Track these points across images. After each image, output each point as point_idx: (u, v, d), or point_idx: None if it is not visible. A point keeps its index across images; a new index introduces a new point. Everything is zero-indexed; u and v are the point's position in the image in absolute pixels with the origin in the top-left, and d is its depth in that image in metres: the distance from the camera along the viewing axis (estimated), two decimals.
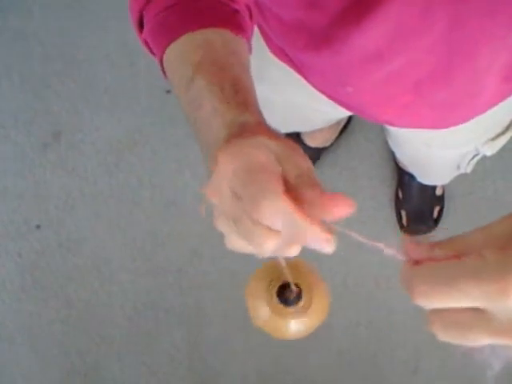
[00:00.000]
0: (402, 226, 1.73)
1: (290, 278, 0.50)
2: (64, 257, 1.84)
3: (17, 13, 1.94)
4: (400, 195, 1.72)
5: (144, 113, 1.87)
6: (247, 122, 0.51)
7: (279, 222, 0.44)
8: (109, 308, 1.82)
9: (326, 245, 0.44)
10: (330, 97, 0.85)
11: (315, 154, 1.74)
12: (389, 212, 1.77)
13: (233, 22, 0.62)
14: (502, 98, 0.81)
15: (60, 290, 1.84)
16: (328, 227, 0.44)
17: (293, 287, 0.51)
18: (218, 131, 0.52)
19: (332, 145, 1.76)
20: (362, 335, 1.75)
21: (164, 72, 0.64)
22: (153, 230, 1.82)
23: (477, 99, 0.75)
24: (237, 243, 0.49)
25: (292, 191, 0.44)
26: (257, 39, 0.88)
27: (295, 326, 0.51)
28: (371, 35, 0.57)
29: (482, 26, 0.55)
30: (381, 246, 0.42)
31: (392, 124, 0.90)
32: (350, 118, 1.75)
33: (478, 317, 0.34)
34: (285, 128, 1.36)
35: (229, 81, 0.55)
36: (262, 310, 0.51)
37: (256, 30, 0.87)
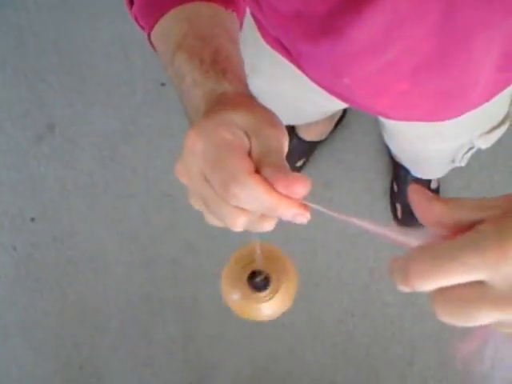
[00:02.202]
0: (396, 219, 1.74)
1: (259, 265, 0.53)
2: (59, 249, 1.84)
3: (12, 6, 1.93)
4: (395, 188, 1.73)
5: (139, 105, 1.86)
6: (224, 91, 0.51)
7: (249, 201, 0.44)
8: (104, 300, 1.82)
9: (299, 218, 0.45)
10: (326, 88, 0.85)
11: (310, 148, 1.74)
12: (384, 205, 1.77)
13: None
14: (496, 90, 0.81)
15: (55, 283, 1.84)
16: (300, 203, 0.44)
17: (262, 274, 0.54)
18: (197, 103, 0.52)
19: (327, 138, 1.76)
20: (357, 328, 1.75)
21: (154, 48, 0.64)
22: (148, 223, 1.82)
23: (472, 90, 0.75)
24: (213, 221, 0.50)
25: (257, 167, 0.45)
26: (252, 30, 0.87)
27: (262, 309, 0.54)
28: (369, 24, 0.57)
29: (476, 14, 0.55)
30: (353, 219, 0.43)
31: (387, 116, 0.90)
32: (344, 112, 1.75)
33: (479, 290, 0.34)
34: None
35: (210, 51, 0.55)
36: (232, 293, 0.55)
37: (251, 21, 0.86)
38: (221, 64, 0.54)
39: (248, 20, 0.87)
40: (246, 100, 0.51)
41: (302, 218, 0.45)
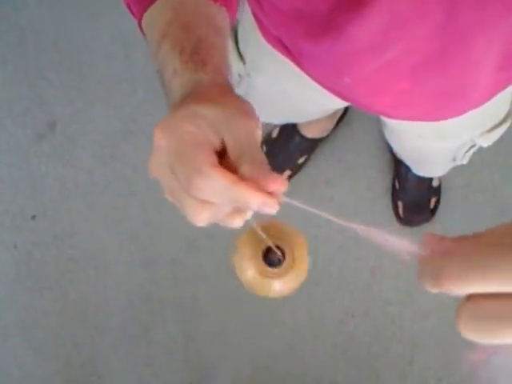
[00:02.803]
0: (398, 217, 1.73)
1: (270, 243, 0.52)
2: (59, 248, 1.84)
3: (12, 4, 1.93)
4: (397, 186, 1.72)
5: (139, 103, 1.86)
6: (200, 81, 0.51)
7: (213, 193, 0.44)
8: (104, 299, 1.82)
9: (267, 207, 0.44)
10: (326, 87, 0.85)
11: (312, 145, 1.73)
12: (385, 203, 1.76)
13: None
14: (497, 89, 0.81)
15: (55, 282, 1.83)
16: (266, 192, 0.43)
17: (276, 250, 0.54)
18: (175, 95, 0.52)
19: (328, 136, 1.76)
20: (358, 327, 1.75)
21: (144, 35, 0.64)
22: (148, 222, 1.82)
23: (472, 89, 0.75)
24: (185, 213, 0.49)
25: (235, 163, 0.45)
26: (253, 30, 0.87)
27: (278, 285, 0.54)
28: (369, 24, 0.57)
29: (476, 14, 0.55)
30: (328, 215, 0.42)
31: (388, 115, 0.90)
32: (346, 109, 1.75)
33: (508, 305, 0.31)
34: (281, 119, 1.35)
35: (191, 41, 0.54)
36: (249, 271, 0.54)
37: (252, 21, 0.86)
38: (201, 55, 0.53)
39: (249, 20, 0.87)
40: (219, 91, 0.50)
41: (270, 207, 0.44)
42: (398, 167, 1.70)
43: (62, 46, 1.90)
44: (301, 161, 1.74)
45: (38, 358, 1.83)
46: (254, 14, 0.84)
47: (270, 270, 0.54)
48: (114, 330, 1.82)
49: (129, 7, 0.64)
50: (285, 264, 0.54)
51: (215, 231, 1.77)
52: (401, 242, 0.40)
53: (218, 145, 0.46)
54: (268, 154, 1.73)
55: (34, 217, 1.85)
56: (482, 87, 0.74)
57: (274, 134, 1.74)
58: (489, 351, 0.36)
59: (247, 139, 0.46)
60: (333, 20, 0.59)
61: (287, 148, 1.71)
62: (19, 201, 1.87)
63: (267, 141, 1.74)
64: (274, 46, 0.85)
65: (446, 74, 0.68)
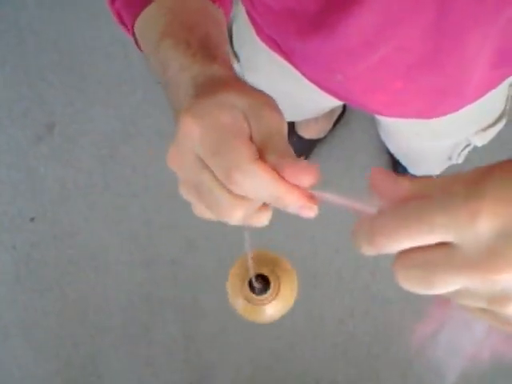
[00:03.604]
0: None
1: (252, 271, 0.54)
2: (59, 249, 1.84)
3: (11, 4, 1.93)
4: None
5: (138, 104, 1.86)
6: (215, 74, 0.48)
7: (253, 189, 0.41)
8: (104, 299, 1.82)
9: (306, 211, 0.42)
10: (319, 85, 0.85)
11: (310, 146, 1.74)
12: None
13: None
14: (491, 86, 0.81)
15: (55, 282, 1.84)
16: (309, 194, 0.42)
17: (260, 278, 0.56)
18: (185, 88, 0.48)
19: (326, 136, 1.76)
20: (357, 327, 1.75)
21: (138, 45, 0.61)
22: (148, 222, 1.82)
23: (466, 87, 0.75)
24: (204, 212, 0.46)
25: (260, 153, 0.42)
26: (247, 29, 0.87)
27: (267, 310, 0.56)
28: (361, 21, 0.57)
29: (469, 11, 0.55)
30: (359, 205, 0.40)
31: (382, 113, 0.90)
32: (344, 110, 1.75)
33: (445, 252, 0.32)
34: None
35: (197, 37, 0.52)
36: (239, 300, 0.57)
37: (245, 18, 0.87)
38: (209, 49, 0.51)
39: (243, 18, 0.88)
40: (241, 82, 0.48)
41: (310, 211, 0.42)
42: (396, 167, 1.70)
43: (61, 46, 1.90)
44: None
45: (38, 357, 1.83)
46: (248, 13, 0.85)
47: (256, 297, 0.56)
48: (113, 330, 1.82)
49: (119, 16, 0.62)
50: (270, 291, 0.56)
51: (215, 231, 1.77)
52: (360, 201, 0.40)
53: (249, 135, 0.43)
54: None
55: (33, 218, 1.86)
56: (476, 84, 0.75)
57: None
58: (435, 329, 0.39)
59: (277, 129, 0.44)
60: (324, 19, 0.59)
61: None
62: (18, 202, 1.87)
63: None
64: (267, 44, 0.85)
65: (440, 71, 0.68)
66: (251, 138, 0.43)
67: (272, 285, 0.56)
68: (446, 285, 0.33)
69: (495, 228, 0.31)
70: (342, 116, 1.76)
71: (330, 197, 0.42)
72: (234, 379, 1.78)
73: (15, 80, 1.90)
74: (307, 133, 1.70)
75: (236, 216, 0.43)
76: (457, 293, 0.34)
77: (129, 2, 0.60)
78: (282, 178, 0.41)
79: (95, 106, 1.88)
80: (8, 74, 1.91)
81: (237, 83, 0.47)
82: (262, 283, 0.56)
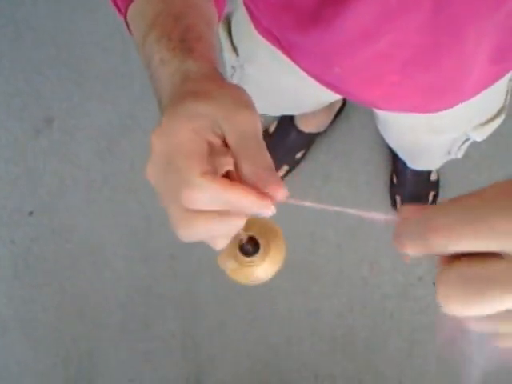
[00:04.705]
0: (396, 211, 1.73)
1: (243, 235, 0.56)
2: (57, 243, 1.84)
3: None
4: (395, 180, 1.72)
5: (136, 98, 1.86)
6: (189, 69, 0.49)
7: (206, 201, 0.42)
8: (103, 295, 1.82)
9: (265, 210, 0.43)
10: (317, 78, 0.85)
11: (309, 140, 1.73)
12: (383, 197, 1.76)
13: None
14: (490, 81, 0.81)
15: (54, 277, 1.83)
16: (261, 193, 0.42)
17: (249, 241, 0.57)
18: (164, 84, 0.50)
19: (326, 130, 1.75)
20: (356, 321, 1.75)
21: (130, 30, 0.62)
22: (146, 216, 1.82)
23: (464, 82, 0.75)
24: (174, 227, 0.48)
25: (234, 159, 0.43)
26: (245, 22, 0.87)
27: (256, 272, 0.58)
28: (359, 14, 0.57)
29: (467, 6, 0.54)
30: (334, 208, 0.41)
31: (379, 107, 0.90)
32: (344, 104, 1.75)
33: (506, 265, 0.29)
34: (276, 111, 1.35)
35: (179, 30, 0.53)
36: (229, 263, 0.59)
37: (244, 12, 0.86)
38: (188, 42, 0.51)
39: (242, 12, 0.87)
40: (213, 82, 0.48)
41: (267, 210, 0.43)
42: (396, 162, 1.70)
43: (58, 40, 1.90)
44: (298, 156, 1.74)
45: (37, 353, 1.83)
46: (246, 5, 0.84)
47: (247, 259, 0.57)
48: (112, 326, 1.82)
49: (114, 2, 0.63)
50: (260, 252, 0.57)
51: None
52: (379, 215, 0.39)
53: (218, 144, 0.44)
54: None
55: (31, 212, 1.85)
56: (475, 80, 0.74)
57: (271, 129, 1.74)
58: (461, 327, 0.35)
59: (251, 134, 0.44)
60: (320, 12, 0.59)
61: (284, 143, 1.71)
62: (17, 196, 1.86)
63: (264, 136, 1.73)
64: (265, 37, 0.85)
65: (437, 66, 0.68)
66: (226, 143, 0.44)
67: (262, 247, 0.57)
68: (500, 303, 0.29)
69: None
70: (341, 110, 1.76)
71: (310, 205, 0.44)
72: (233, 373, 1.78)
73: (12, 75, 1.90)
74: (307, 127, 1.69)
75: (193, 231, 0.44)
76: (503, 315, 0.30)
77: None
78: (233, 184, 0.42)
79: (93, 101, 1.87)
80: (5, 68, 1.90)
81: (210, 84, 0.47)
82: (252, 245, 0.57)
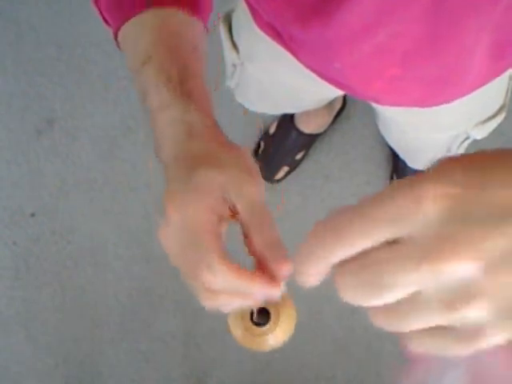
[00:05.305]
0: None
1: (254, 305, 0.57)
2: (58, 244, 1.84)
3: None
4: (395, 180, 1.72)
5: (138, 99, 1.85)
6: (192, 123, 0.51)
7: (220, 285, 0.47)
8: (103, 295, 1.82)
9: (272, 293, 0.47)
10: (318, 73, 0.85)
11: (310, 140, 1.73)
12: None
13: (189, 1, 0.62)
14: (490, 76, 0.80)
15: (55, 278, 1.83)
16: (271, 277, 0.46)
17: (261, 311, 0.60)
18: (166, 131, 0.53)
19: (326, 130, 1.75)
20: (358, 322, 1.75)
21: (118, 45, 0.64)
22: (148, 217, 1.82)
23: (465, 76, 0.74)
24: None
25: (244, 229, 0.47)
26: (245, 17, 0.87)
27: (267, 341, 0.60)
28: (360, 7, 0.57)
29: None
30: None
31: (380, 102, 0.89)
32: (344, 104, 1.75)
33: (389, 249, 0.30)
34: (276, 109, 1.35)
35: (177, 67, 0.55)
36: (240, 331, 0.60)
37: (244, 7, 0.86)
38: (186, 84, 0.54)
39: (242, 7, 0.87)
40: (217, 139, 0.51)
41: (275, 293, 0.47)
42: (396, 161, 1.69)
43: (60, 41, 1.90)
44: (299, 156, 1.73)
45: (38, 353, 1.83)
46: (246, 0, 0.84)
47: (258, 329, 0.59)
48: (113, 326, 1.82)
49: (100, 12, 0.64)
50: (271, 322, 0.59)
51: None
52: None
53: (227, 213, 0.48)
54: (265, 150, 1.73)
55: (33, 214, 1.85)
56: (474, 73, 0.74)
57: (272, 130, 1.73)
58: (423, 372, 0.37)
59: (257, 206, 0.48)
60: (322, 5, 0.59)
61: (285, 144, 1.71)
62: (18, 197, 1.87)
63: (265, 137, 1.74)
64: (266, 32, 0.85)
65: (437, 59, 0.68)
66: (234, 210, 0.48)
67: (272, 316, 0.59)
68: (396, 286, 0.30)
69: (442, 210, 0.29)
70: (342, 110, 1.75)
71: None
72: (235, 374, 1.78)
73: (14, 75, 1.90)
74: (307, 127, 1.69)
75: (209, 305, 0.51)
76: (410, 304, 0.30)
77: (114, 7, 0.62)
78: (245, 272, 0.46)
79: (95, 101, 1.87)
80: (7, 69, 1.90)
81: (214, 143, 0.51)
82: (262, 315, 0.59)
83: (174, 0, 0.60)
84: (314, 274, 0.36)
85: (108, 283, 1.82)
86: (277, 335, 0.59)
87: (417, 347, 0.33)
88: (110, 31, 0.65)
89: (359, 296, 0.32)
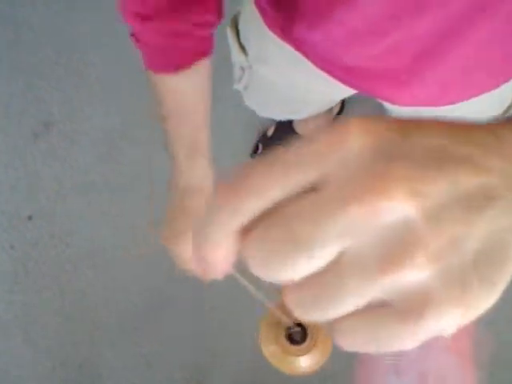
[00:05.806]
0: None
1: (291, 321, 0.51)
2: (57, 247, 1.84)
3: (7, 0, 1.92)
4: None
5: (136, 102, 1.85)
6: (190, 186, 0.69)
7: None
8: (103, 298, 1.82)
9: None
10: (328, 72, 0.84)
11: None
12: None
13: (202, 49, 0.74)
14: (504, 78, 0.80)
15: (53, 281, 1.83)
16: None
17: (299, 327, 0.53)
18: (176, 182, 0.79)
19: None
20: None
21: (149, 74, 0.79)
22: (146, 220, 1.81)
23: (476, 77, 0.74)
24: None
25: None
26: (254, 19, 0.87)
27: (302, 362, 0.54)
28: (368, 8, 0.57)
29: (473, 1, 0.54)
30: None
31: (392, 101, 0.89)
32: (342, 107, 1.75)
33: (309, 199, 0.24)
34: (282, 113, 1.34)
35: (188, 134, 0.73)
36: (271, 348, 0.54)
37: (253, 8, 0.86)
38: (200, 150, 0.73)
39: (250, 8, 0.86)
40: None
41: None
42: None
43: (58, 43, 1.89)
44: None
45: (37, 356, 1.83)
46: (256, 2, 0.84)
47: (293, 347, 0.53)
48: (112, 328, 1.82)
49: (137, 42, 0.78)
50: (307, 341, 0.53)
51: None
52: None
53: None
54: (264, 152, 1.73)
55: (30, 217, 1.85)
56: (485, 74, 0.74)
57: (270, 132, 1.73)
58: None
59: None
60: (328, 7, 0.59)
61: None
62: (16, 200, 1.86)
63: (263, 139, 1.74)
64: (275, 32, 0.84)
65: (447, 60, 0.68)
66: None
67: (310, 335, 0.53)
68: (315, 243, 0.23)
69: (372, 144, 0.24)
70: (340, 113, 1.75)
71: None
72: (235, 374, 1.78)
73: (11, 77, 1.90)
74: (305, 130, 1.69)
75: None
76: (334, 271, 0.23)
77: (157, 55, 0.77)
78: None
79: (93, 104, 1.87)
80: (4, 71, 1.90)
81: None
82: (300, 333, 0.53)
83: (189, 59, 0.74)
84: (219, 247, 0.25)
85: (107, 286, 1.82)
86: (312, 357, 0.53)
87: (348, 340, 0.25)
88: (136, 49, 0.78)
89: (269, 264, 0.23)
